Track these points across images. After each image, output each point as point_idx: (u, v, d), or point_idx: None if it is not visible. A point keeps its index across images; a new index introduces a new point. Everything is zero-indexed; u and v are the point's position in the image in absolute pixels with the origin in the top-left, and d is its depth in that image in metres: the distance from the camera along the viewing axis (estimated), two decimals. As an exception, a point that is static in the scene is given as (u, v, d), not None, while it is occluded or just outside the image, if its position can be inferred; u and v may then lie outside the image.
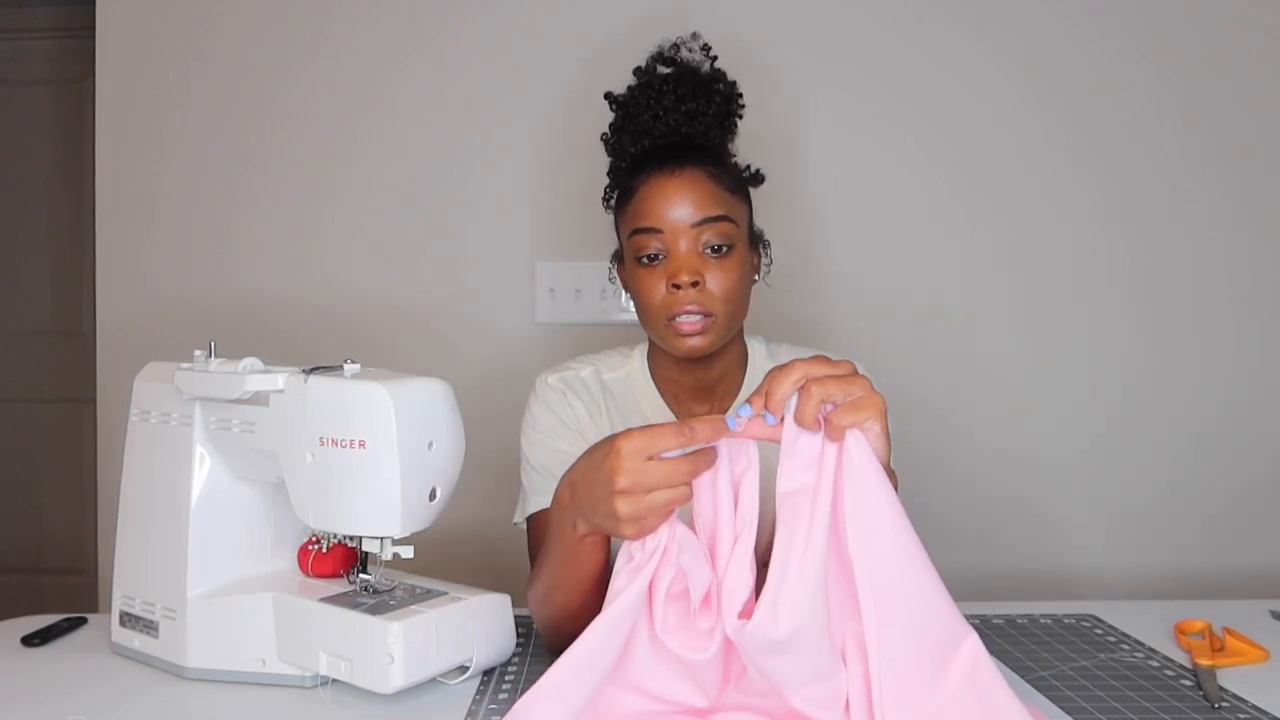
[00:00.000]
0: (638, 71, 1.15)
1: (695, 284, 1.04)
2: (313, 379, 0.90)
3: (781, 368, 0.76)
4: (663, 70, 1.14)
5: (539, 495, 1.13)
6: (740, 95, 1.16)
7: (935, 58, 1.78)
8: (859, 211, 1.78)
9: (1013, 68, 1.78)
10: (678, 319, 1.05)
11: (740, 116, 1.16)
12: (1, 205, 2.46)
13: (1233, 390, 1.80)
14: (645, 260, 1.07)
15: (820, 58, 1.77)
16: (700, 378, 1.15)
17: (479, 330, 1.80)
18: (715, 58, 1.16)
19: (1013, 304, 1.79)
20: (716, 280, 1.05)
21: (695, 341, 1.06)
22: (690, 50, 1.15)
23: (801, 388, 0.75)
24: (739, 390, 1.18)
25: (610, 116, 1.17)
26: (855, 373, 0.76)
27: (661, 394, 1.18)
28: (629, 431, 0.77)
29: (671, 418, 1.15)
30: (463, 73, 1.80)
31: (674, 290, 1.05)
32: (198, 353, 0.99)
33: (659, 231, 1.06)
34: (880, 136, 1.78)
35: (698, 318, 1.05)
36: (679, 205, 1.05)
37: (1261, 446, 1.80)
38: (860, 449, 0.74)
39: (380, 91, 1.80)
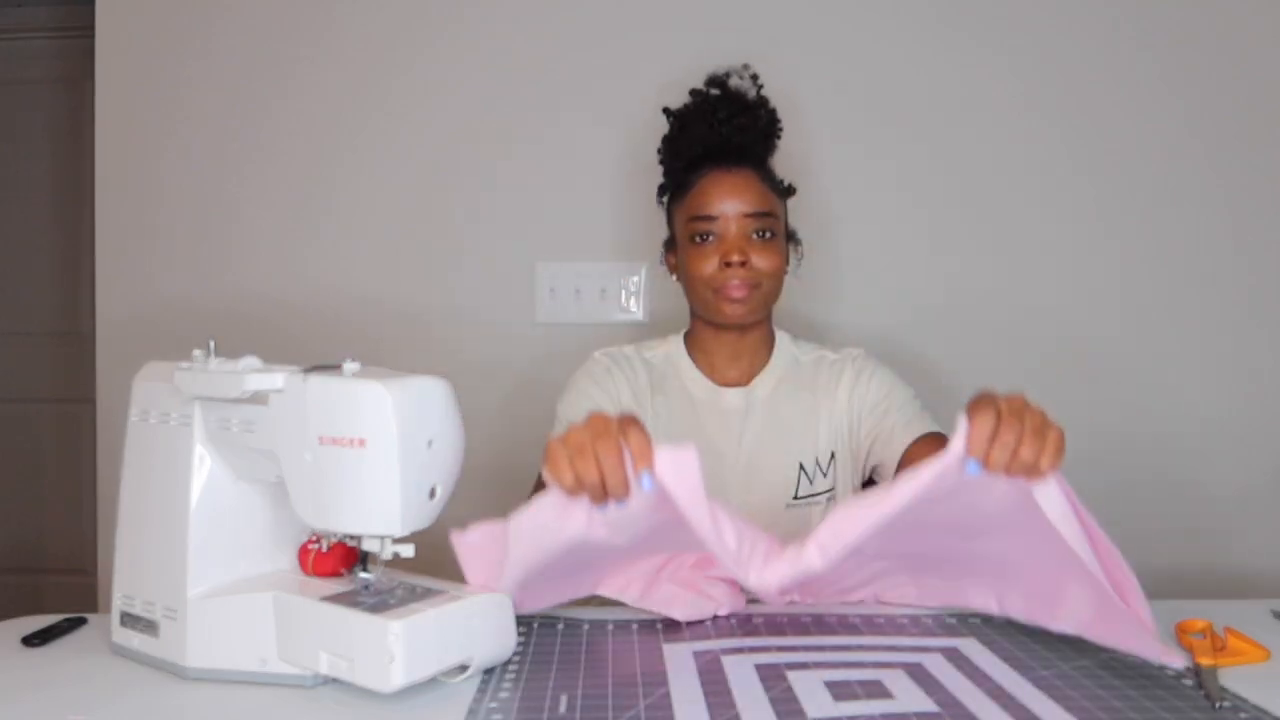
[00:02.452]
0: (694, 92, 1.34)
1: (743, 263, 1.23)
2: (312, 378, 0.90)
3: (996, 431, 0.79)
4: (714, 92, 1.33)
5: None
6: (779, 121, 1.35)
7: (943, 74, 1.78)
8: (871, 222, 1.80)
9: (1014, 79, 1.78)
10: (725, 286, 1.24)
11: (779, 138, 1.36)
12: (1, 205, 2.46)
13: (1233, 388, 1.80)
14: (699, 240, 1.26)
15: (840, 86, 1.80)
16: (734, 345, 1.33)
17: (479, 330, 1.80)
18: (761, 86, 1.35)
19: (1016, 303, 1.79)
20: (760, 259, 1.25)
21: (739, 308, 1.25)
22: (742, 79, 1.35)
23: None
24: (765, 365, 1.35)
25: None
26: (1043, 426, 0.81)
27: (697, 365, 1.36)
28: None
29: (709, 384, 1.34)
30: (464, 73, 1.80)
31: (725, 267, 1.24)
32: (197, 352, 0.99)
33: (714, 219, 1.25)
34: (893, 154, 1.81)
35: (744, 288, 1.24)
36: (732, 198, 1.25)
37: (1262, 445, 1.80)
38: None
39: (380, 92, 1.80)
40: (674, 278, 1.36)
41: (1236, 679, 0.91)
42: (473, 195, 1.80)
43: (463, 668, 0.91)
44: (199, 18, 1.82)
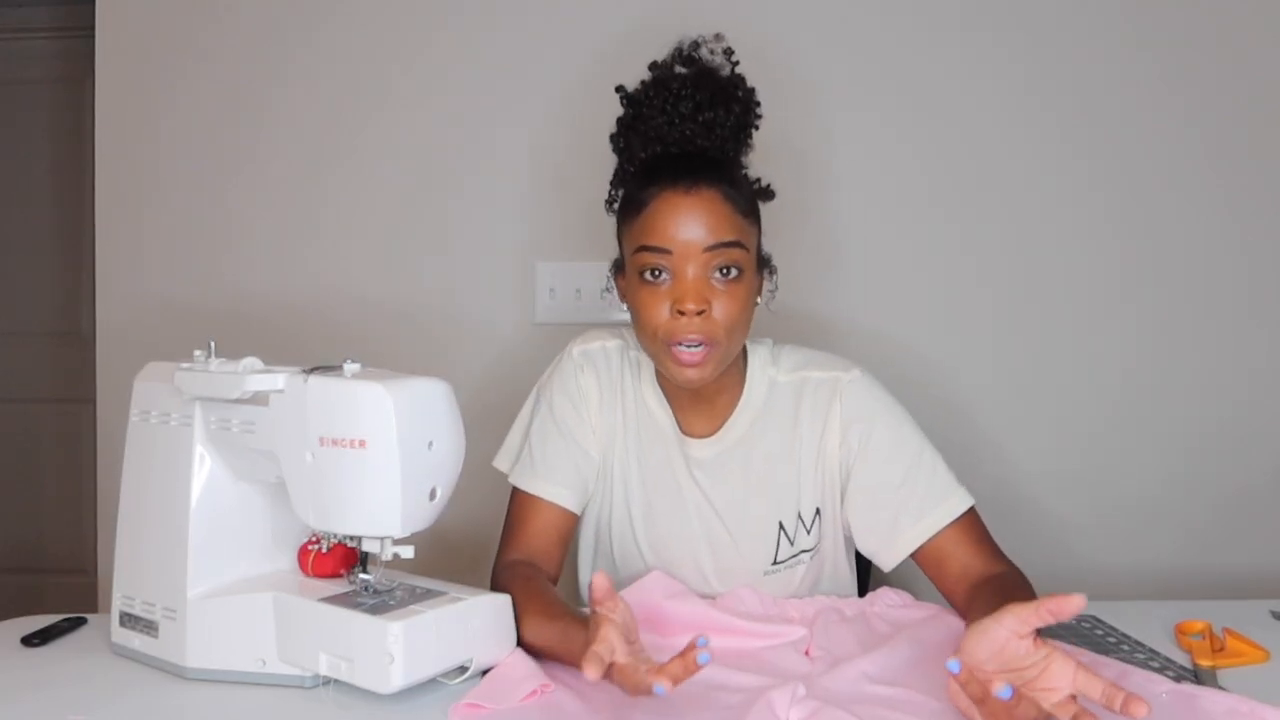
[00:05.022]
0: (654, 67, 1.10)
1: (700, 313, 1.01)
2: (313, 379, 0.90)
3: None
4: (680, 70, 1.09)
5: (521, 472, 1.19)
6: (758, 105, 1.11)
7: (947, 67, 1.78)
8: (868, 219, 1.78)
9: (1015, 76, 1.78)
10: (677, 347, 1.03)
11: (757, 128, 1.12)
12: (1, 205, 2.46)
13: (1233, 389, 1.79)
14: (649, 277, 1.04)
15: (838, 66, 1.77)
16: (697, 393, 1.13)
17: (479, 330, 1.80)
18: (737, 62, 1.10)
19: (1016, 303, 1.79)
20: (723, 307, 1.02)
21: (693, 374, 1.04)
22: (712, 51, 1.10)
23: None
24: (737, 404, 1.16)
25: (617, 113, 1.13)
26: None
27: (668, 400, 1.18)
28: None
29: (674, 427, 1.17)
30: (464, 72, 1.80)
31: (678, 316, 1.02)
32: (198, 353, 0.99)
33: (667, 252, 1.02)
34: (894, 142, 1.78)
35: (699, 348, 1.02)
36: (691, 227, 1.01)
37: (1261, 446, 1.80)
38: None
39: (380, 92, 1.80)
40: (625, 306, 1.14)
41: (1236, 680, 0.91)
42: (472, 195, 1.80)
43: (462, 668, 0.91)
44: (198, 18, 1.82)
